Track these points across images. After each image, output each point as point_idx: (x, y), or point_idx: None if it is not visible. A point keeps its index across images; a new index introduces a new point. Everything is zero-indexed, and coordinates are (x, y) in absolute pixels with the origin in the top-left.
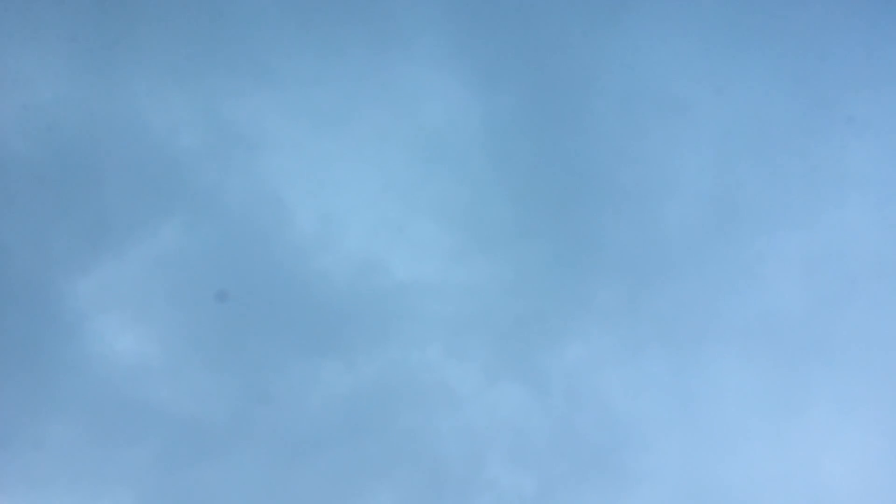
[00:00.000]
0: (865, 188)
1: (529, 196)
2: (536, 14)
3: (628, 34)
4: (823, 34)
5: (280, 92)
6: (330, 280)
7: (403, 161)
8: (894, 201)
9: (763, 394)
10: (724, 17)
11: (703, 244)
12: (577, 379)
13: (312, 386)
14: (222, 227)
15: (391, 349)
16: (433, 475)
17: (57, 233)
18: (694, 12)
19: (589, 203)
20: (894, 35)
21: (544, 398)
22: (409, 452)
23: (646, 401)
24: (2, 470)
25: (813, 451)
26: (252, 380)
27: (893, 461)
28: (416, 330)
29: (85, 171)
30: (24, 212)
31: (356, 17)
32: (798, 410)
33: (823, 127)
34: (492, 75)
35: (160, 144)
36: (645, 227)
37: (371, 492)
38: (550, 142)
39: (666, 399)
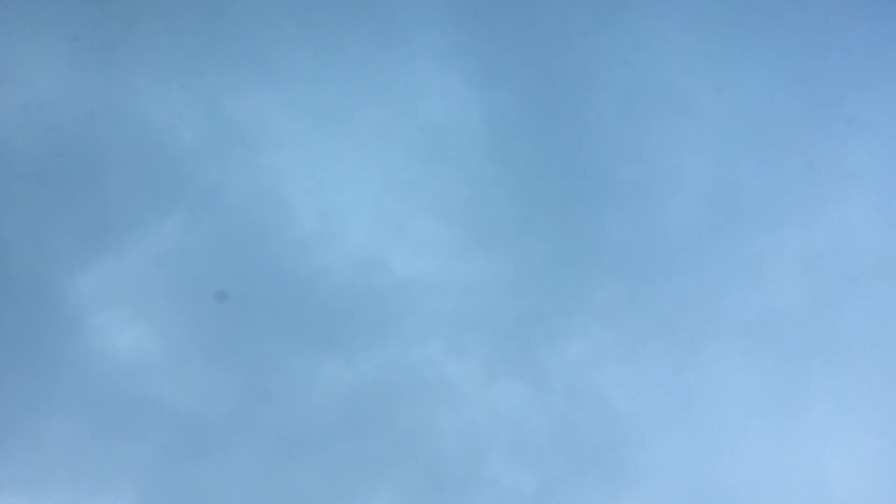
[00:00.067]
0: (866, 187)
1: (530, 194)
2: (537, 12)
3: (629, 32)
4: (824, 33)
5: (281, 89)
6: (330, 277)
7: (404, 158)
8: (895, 200)
9: (764, 392)
10: (726, 15)
11: (703, 242)
12: (577, 376)
13: (313, 383)
14: (223, 224)
15: (391, 346)
16: (433, 472)
17: (58, 229)
18: (695, 11)
19: (590, 201)
20: (895, 35)
21: (545, 395)
22: (410, 449)
23: (646, 399)
24: (2, 466)
25: (813, 449)
26: (252, 376)
27: (894, 460)
28: (417, 327)
29: (86, 168)
30: (24, 209)
31: (357, 15)
32: (799, 409)
33: (824, 126)
34: (492, 73)
35: (161, 142)
36: (645, 225)
37: (371, 488)
38: (551, 140)
39: (666, 397)
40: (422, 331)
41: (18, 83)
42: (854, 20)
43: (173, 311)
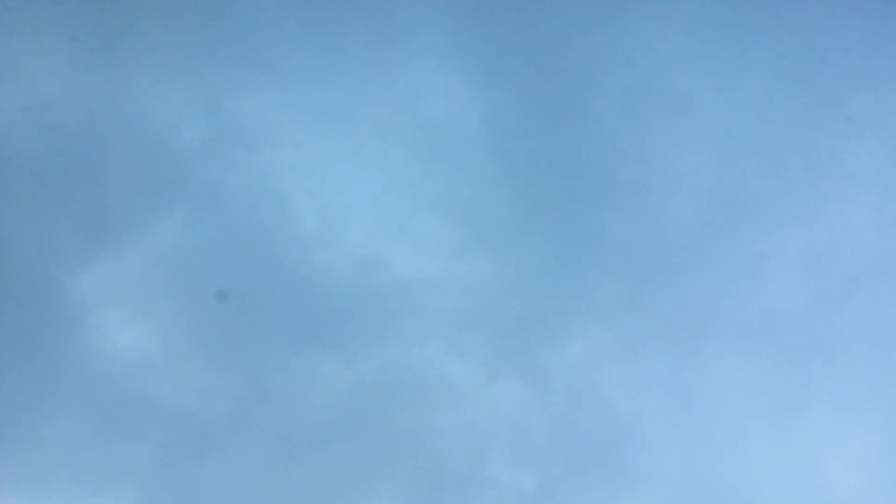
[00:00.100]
0: (866, 187)
1: (531, 193)
2: (538, 11)
3: (630, 32)
4: (824, 33)
5: (281, 89)
6: (331, 276)
7: (404, 158)
8: (895, 200)
9: (764, 392)
10: (726, 15)
11: (704, 242)
12: (577, 376)
13: (313, 382)
14: (223, 224)
15: (392, 346)
16: (433, 472)
17: (58, 228)
18: (696, 10)
19: (590, 200)
20: (895, 35)
21: (545, 395)
22: (410, 449)
23: (646, 398)
24: (1, 466)
25: (813, 449)
26: (253, 376)
27: (894, 460)
28: (417, 327)
29: (86, 167)
30: (25, 208)
31: (357, 14)
32: (799, 409)
33: (824, 126)
34: (493, 73)
35: (161, 141)
36: (646, 225)
37: (371, 488)
38: (552, 139)
39: (666, 397)
40: (422, 330)
41: (19, 83)
42: (854, 20)
43: (173, 310)
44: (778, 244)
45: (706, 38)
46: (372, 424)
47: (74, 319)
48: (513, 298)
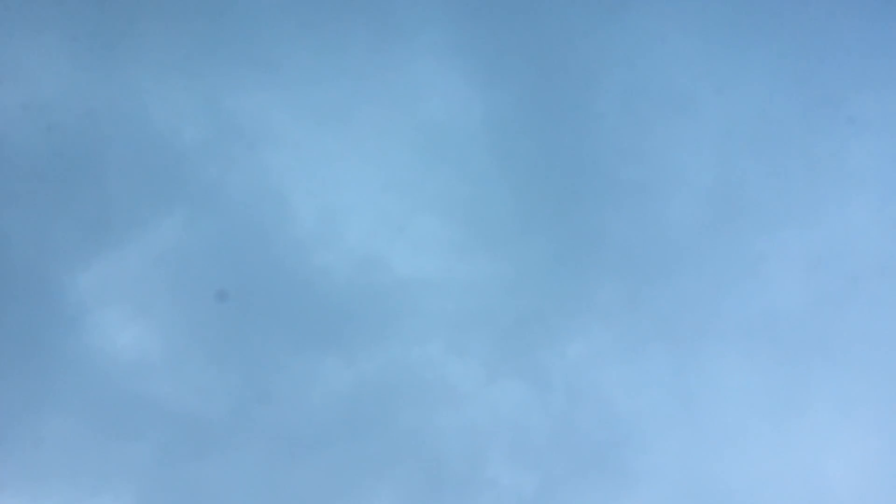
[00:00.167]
0: (867, 187)
1: (531, 193)
2: (538, 11)
3: (631, 31)
4: (824, 33)
5: (281, 88)
6: (331, 276)
7: (405, 157)
8: None
9: (764, 392)
10: (726, 15)
11: (704, 242)
12: (577, 376)
13: (313, 382)
14: (223, 223)
15: (392, 346)
16: (433, 472)
17: (58, 227)
18: (697, 10)
19: (591, 200)
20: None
21: (545, 395)
22: (410, 449)
23: (646, 399)
24: (0, 465)
25: (814, 450)
26: (252, 376)
27: (895, 461)
28: (417, 326)
29: (86, 166)
30: (25, 207)
31: (358, 13)
32: (799, 409)
33: (825, 126)
34: (494, 73)
35: (161, 140)
36: (646, 225)
37: (371, 488)
38: (552, 139)
39: (667, 397)
40: (422, 330)
41: (19, 82)
42: (854, 20)
43: (173, 309)
44: (778, 244)
45: (706, 38)
46: (372, 424)
47: (74, 319)
48: (513, 298)
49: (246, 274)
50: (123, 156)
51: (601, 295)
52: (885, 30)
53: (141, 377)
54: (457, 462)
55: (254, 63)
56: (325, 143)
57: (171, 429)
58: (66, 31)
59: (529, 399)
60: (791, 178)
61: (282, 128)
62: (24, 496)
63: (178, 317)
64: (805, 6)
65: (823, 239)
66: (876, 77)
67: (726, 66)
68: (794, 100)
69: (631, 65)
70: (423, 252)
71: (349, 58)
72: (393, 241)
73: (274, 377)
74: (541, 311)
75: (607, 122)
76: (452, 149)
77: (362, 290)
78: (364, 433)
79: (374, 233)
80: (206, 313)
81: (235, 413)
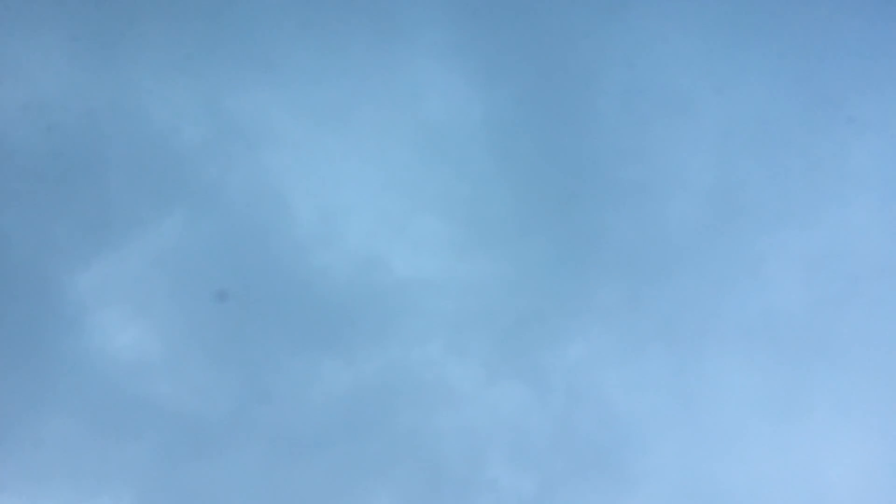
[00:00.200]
0: (867, 188)
1: (531, 193)
2: (538, 11)
3: (631, 31)
4: (824, 33)
5: (282, 88)
6: (331, 276)
7: (405, 157)
8: None
9: (764, 393)
10: (726, 15)
11: (704, 242)
12: (577, 377)
13: (312, 383)
14: (223, 223)
15: (391, 346)
16: (433, 473)
17: (58, 227)
18: (696, 10)
19: (591, 200)
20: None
21: (545, 396)
22: (410, 450)
23: (646, 399)
24: (0, 465)
25: (814, 450)
26: (252, 376)
27: (895, 462)
28: (417, 327)
29: (86, 166)
30: (24, 206)
31: (358, 13)
32: (799, 410)
33: (825, 126)
34: (494, 72)
35: (161, 140)
36: (646, 225)
37: (370, 489)
38: (552, 139)
39: (666, 397)
40: (422, 331)
41: (19, 82)
42: (854, 20)
43: (173, 309)
44: (778, 245)
45: (706, 38)
46: (371, 425)
47: (74, 319)
48: (513, 298)
49: (246, 274)
50: (123, 156)
51: (601, 295)
52: (885, 30)
53: (140, 377)
54: (456, 463)
55: (254, 63)
56: (325, 143)
57: (171, 429)
58: (66, 31)
59: (529, 400)
60: (791, 178)
61: (282, 128)
62: (24, 496)
63: (177, 317)
64: (805, 6)
65: (823, 239)
66: (876, 77)
67: (726, 66)
68: (794, 100)
69: (631, 65)
70: (423, 252)
71: (349, 58)
72: (393, 241)
73: (274, 377)
74: (541, 311)
75: (607, 122)
76: (452, 149)
77: (362, 291)
78: (363, 434)
79: (374, 233)
80: (205, 313)
81: (235, 413)
